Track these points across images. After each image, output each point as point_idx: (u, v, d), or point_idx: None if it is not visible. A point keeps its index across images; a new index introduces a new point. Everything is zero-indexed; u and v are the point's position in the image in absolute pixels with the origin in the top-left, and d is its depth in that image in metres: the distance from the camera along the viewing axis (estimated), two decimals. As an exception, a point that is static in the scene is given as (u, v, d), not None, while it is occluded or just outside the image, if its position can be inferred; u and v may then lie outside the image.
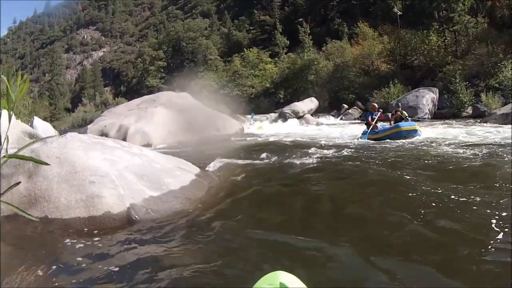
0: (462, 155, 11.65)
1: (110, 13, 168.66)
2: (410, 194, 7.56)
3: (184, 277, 4.78)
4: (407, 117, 19.57)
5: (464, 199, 6.84)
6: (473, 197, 6.86)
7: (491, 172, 9.22)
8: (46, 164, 2.27)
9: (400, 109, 20.04)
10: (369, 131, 19.10)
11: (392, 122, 19.34)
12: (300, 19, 65.79)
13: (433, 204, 6.74)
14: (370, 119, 19.57)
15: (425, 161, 11.01)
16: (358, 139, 19.35)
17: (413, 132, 17.20)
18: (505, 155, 11.24)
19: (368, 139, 18.69)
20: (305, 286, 2.65)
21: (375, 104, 20.80)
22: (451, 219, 5.96)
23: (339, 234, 5.93)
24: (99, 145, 8.75)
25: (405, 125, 17.51)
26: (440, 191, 7.45)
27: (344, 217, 6.95)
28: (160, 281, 4.72)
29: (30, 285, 4.50)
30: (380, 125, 19.47)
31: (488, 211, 6.18)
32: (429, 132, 19.49)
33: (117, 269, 4.97)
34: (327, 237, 5.89)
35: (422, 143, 15.28)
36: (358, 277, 4.43)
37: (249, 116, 35.25)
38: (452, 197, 7.03)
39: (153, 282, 4.71)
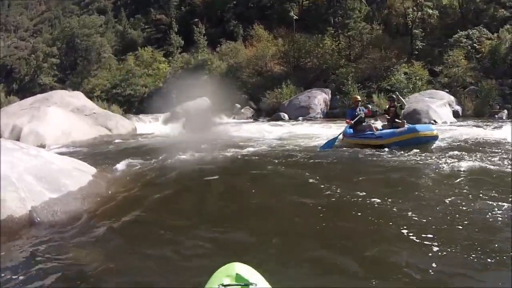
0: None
1: (6, 6, 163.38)
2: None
3: (86, 276, 4.96)
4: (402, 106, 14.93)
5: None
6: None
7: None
8: None
9: (396, 100, 15.01)
10: (348, 133, 15.18)
11: (387, 119, 15.09)
12: (196, 20, 65.57)
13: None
14: (348, 119, 15.23)
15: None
16: (319, 149, 14.80)
17: (432, 140, 13.51)
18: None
19: (347, 142, 15.14)
20: (261, 276, 3.00)
21: (357, 96, 16.94)
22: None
23: (237, 221, 6.95)
24: None
25: (423, 130, 13.61)
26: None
27: (243, 207, 7.77)
28: (59, 282, 4.87)
29: None
30: (373, 125, 15.23)
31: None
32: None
33: (16, 272, 5.04)
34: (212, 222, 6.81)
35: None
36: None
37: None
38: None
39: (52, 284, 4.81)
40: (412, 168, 10.23)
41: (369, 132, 14.42)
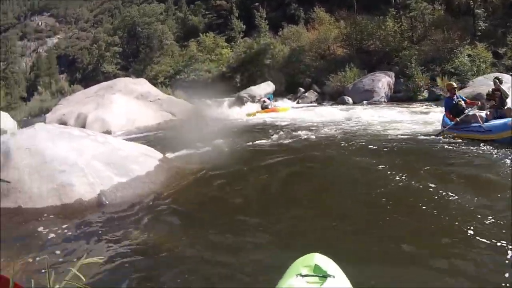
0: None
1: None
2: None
3: (156, 258, 5.21)
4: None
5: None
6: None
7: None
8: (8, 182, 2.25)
9: (501, 84, 12.77)
10: (450, 124, 12.67)
11: (492, 106, 12.40)
12: (256, 4, 65.53)
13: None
14: (446, 112, 13.03)
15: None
16: (441, 132, 13.04)
17: None
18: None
19: (444, 135, 12.75)
20: (340, 269, 2.93)
21: (452, 83, 14.05)
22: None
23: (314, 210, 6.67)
24: (66, 135, 9.19)
25: None
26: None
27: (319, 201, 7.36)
28: (133, 262, 5.13)
29: (8, 274, 4.57)
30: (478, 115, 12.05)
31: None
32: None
33: (91, 252, 5.33)
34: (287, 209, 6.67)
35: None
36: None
37: (266, 98, 32.26)
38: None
39: (126, 264, 5.09)
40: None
41: (475, 124, 11.99)
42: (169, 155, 11.43)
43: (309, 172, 9.36)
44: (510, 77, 26.36)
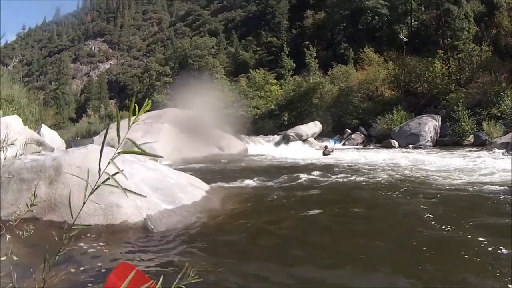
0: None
1: (119, 26, 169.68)
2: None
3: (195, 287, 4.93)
4: None
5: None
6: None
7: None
8: (160, 156, 2.54)
9: None
10: None
11: None
12: (307, 42, 66.35)
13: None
14: None
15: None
16: None
17: None
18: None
19: None
20: None
21: None
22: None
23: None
24: (118, 158, 9.11)
25: None
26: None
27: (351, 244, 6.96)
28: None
29: (47, 286, 4.76)
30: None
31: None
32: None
33: None
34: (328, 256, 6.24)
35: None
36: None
37: (331, 140, 31.42)
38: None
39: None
40: None
41: None
42: (216, 187, 11.54)
43: (354, 214, 9.14)
44: None
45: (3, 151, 3.33)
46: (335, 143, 28.09)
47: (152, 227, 7.41)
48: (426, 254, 6.04)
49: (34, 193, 2.49)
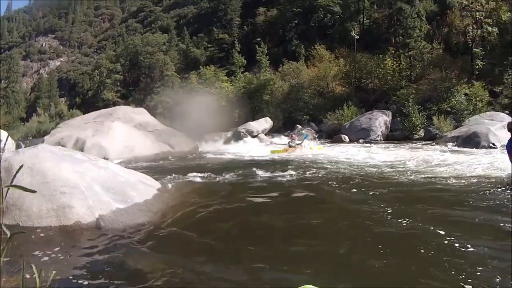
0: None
1: (70, 22, 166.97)
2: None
3: (142, 283, 5.10)
4: None
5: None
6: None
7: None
8: (34, 192, 2.20)
9: None
10: None
11: None
12: (259, 39, 66.48)
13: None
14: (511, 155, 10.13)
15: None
16: None
17: None
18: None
19: None
20: None
21: None
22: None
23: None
24: (69, 157, 9.32)
25: None
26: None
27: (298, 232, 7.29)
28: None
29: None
30: None
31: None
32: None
33: (86, 276, 5.29)
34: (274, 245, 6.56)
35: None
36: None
37: (303, 134, 30.55)
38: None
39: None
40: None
41: None
42: (167, 184, 11.51)
43: (309, 208, 9.28)
44: (504, 115, 26.55)
45: None
46: (306, 138, 27.31)
47: (104, 226, 7.46)
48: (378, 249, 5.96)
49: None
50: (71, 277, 5.26)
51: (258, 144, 32.04)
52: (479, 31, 38.60)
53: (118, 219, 7.70)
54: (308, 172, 14.15)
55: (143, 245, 6.62)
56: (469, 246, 5.73)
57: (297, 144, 24.58)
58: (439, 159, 16.19)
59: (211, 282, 5.24)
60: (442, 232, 6.37)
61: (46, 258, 5.83)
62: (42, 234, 6.90)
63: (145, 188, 9.66)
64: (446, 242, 5.95)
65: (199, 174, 14.05)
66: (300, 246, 6.46)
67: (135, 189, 9.15)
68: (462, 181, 11.11)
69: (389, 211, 7.94)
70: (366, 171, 14.28)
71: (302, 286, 2.90)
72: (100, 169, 9.29)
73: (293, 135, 27.30)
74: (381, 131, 31.74)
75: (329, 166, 15.95)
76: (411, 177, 12.14)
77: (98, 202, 7.84)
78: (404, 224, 7.04)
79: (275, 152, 24.27)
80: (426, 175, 12.39)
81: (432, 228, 6.64)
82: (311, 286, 2.88)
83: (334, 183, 11.66)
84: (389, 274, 5.12)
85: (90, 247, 6.56)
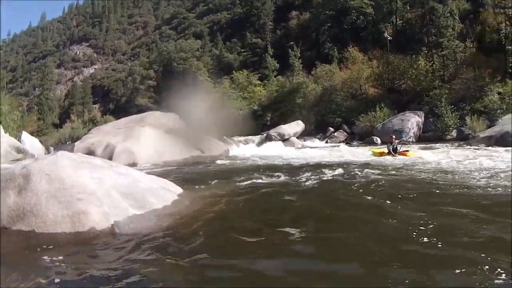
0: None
1: (104, 30, 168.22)
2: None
3: None
4: None
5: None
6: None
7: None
8: None
9: None
10: None
11: None
12: (291, 43, 66.30)
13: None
14: None
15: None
16: None
17: None
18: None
19: None
20: None
21: None
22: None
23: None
24: (88, 164, 9.11)
25: None
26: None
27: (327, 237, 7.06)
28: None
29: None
30: None
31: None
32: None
33: (99, 282, 5.21)
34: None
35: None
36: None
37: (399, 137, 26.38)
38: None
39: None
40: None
41: None
42: (189, 189, 11.19)
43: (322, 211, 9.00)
44: None
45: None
46: (403, 136, 25.53)
47: (119, 233, 7.37)
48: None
49: None
50: (79, 282, 5.25)
51: (290, 148, 31.65)
52: (513, 28, 37.58)
53: (133, 225, 7.68)
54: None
55: (152, 251, 6.49)
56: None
57: (396, 148, 21.32)
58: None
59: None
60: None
61: (58, 265, 5.80)
62: (56, 240, 6.87)
63: (166, 194, 9.54)
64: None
65: (224, 179, 13.74)
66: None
67: (155, 195, 9.05)
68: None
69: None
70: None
71: None
72: (120, 176, 9.16)
73: (392, 135, 23.02)
74: (413, 132, 31.56)
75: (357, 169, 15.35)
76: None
77: (114, 208, 7.82)
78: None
79: (375, 155, 21.56)
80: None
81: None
82: None
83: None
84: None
85: (102, 253, 6.55)
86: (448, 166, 15.26)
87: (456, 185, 10.85)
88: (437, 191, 10.07)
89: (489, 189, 10.07)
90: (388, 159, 19.58)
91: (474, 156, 18.24)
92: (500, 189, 9.98)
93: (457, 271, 4.95)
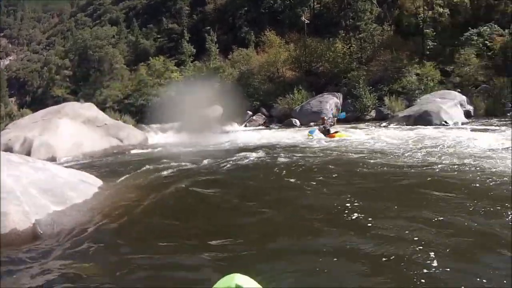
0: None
1: (19, 19, 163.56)
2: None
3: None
4: None
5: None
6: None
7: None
8: None
9: None
10: None
11: None
12: (208, 28, 66.23)
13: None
14: None
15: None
16: None
17: None
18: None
19: None
20: (260, 286, 2.69)
21: None
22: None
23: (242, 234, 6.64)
24: (4, 161, 8.69)
25: None
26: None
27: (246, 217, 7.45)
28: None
29: None
30: None
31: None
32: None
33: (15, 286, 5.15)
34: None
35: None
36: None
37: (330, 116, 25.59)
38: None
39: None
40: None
41: None
42: (109, 181, 11.00)
43: (244, 198, 9.02)
44: (456, 93, 26.37)
45: None
46: (340, 117, 25.09)
47: (41, 232, 7.10)
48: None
49: None
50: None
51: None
52: (430, 12, 38.93)
53: (55, 222, 7.37)
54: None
55: (78, 248, 6.41)
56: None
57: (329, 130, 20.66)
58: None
59: (155, 278, 5.27)
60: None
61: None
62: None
63: (86, 188, 9.35)
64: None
65: (143, 168, 13.48)
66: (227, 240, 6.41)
67: (74, 189, 8.87)
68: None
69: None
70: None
71: (229, 275, 2.73)
72: (37, 171, 8.90)
73: (326, 117, 22.84)
74: (332, 113, 30.98)
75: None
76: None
77: (34, 207, 7.42)
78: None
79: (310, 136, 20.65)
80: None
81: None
82: (238, 274, 2.71)
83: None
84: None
85: (25, 255, 6.28)
86: (382, 146, 15.59)
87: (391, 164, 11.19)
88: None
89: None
90: (322, 141, 18.80)
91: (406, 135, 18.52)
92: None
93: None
